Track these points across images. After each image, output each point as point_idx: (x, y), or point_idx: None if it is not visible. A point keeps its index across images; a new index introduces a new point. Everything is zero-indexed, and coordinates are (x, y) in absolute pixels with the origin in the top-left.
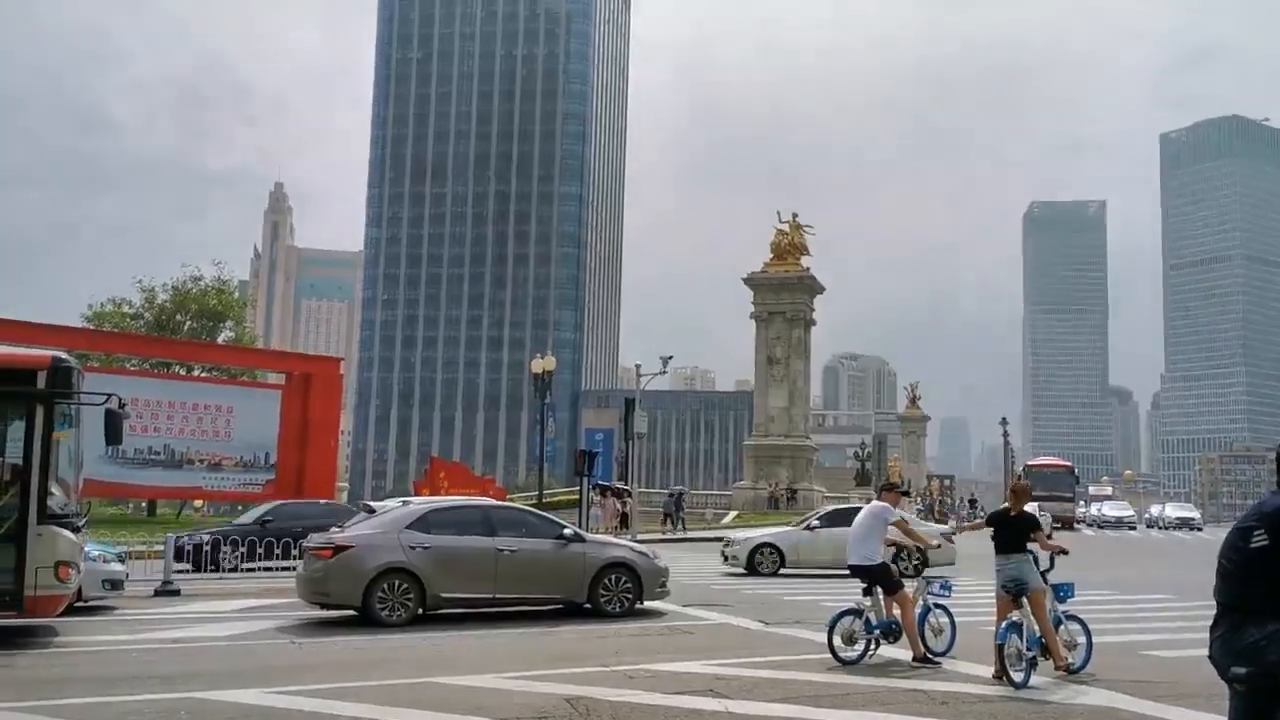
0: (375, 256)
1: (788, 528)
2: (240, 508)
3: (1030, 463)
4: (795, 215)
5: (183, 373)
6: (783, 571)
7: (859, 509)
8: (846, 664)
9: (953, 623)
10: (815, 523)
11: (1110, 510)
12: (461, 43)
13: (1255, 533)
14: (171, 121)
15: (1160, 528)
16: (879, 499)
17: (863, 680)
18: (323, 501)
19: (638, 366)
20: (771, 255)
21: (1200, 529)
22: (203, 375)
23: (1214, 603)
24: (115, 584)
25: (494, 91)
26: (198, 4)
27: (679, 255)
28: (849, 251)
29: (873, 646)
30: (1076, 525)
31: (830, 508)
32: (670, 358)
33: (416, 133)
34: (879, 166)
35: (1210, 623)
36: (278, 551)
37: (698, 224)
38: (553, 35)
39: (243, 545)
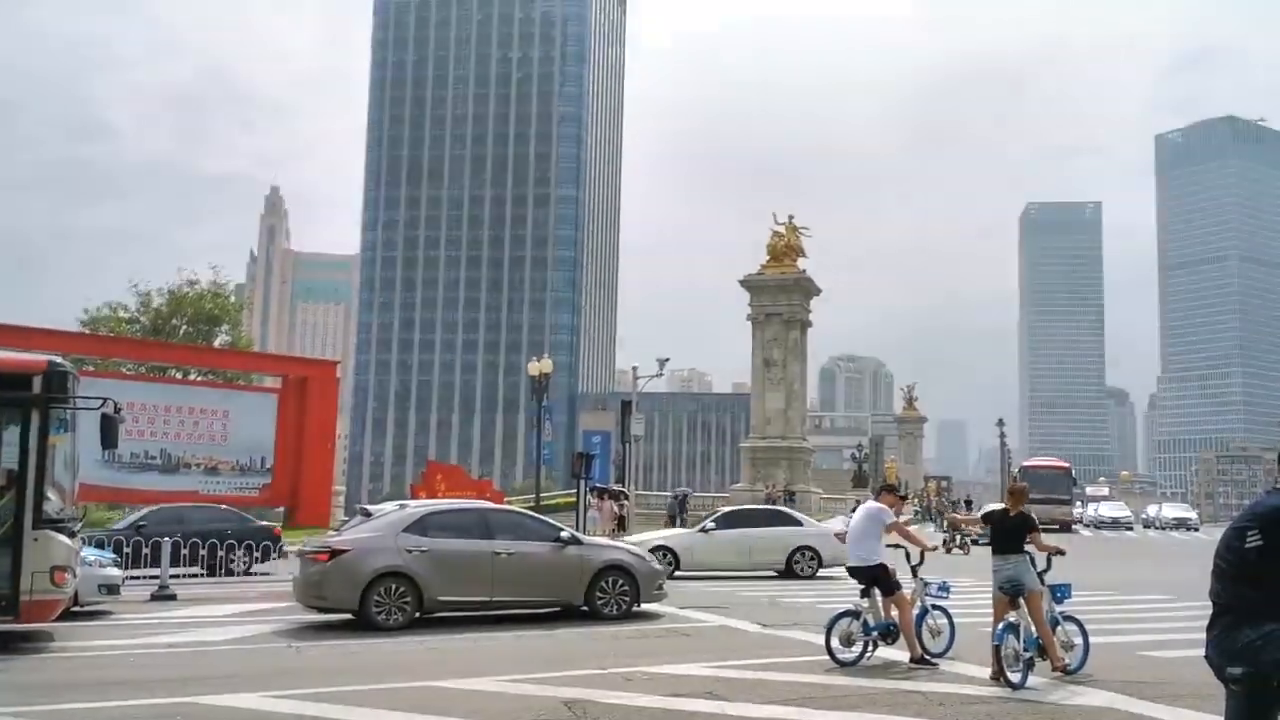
0: (372, 259)
1: (683, 530)
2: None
3: (1027, 463)
4: (791, 217)
5: (179, 377)
6: (678, 574)
7: (754, 510)
8: (844, 665)
9: (951, 624)
10: (710, 525)
11: (1107, 511)
12: (457, 46)
13: (1249, 533)
14: (169, 127)
15: (1157, 528)
16: (876, 500)
17: (860, 682)
18: (223, 507)
19: (634, 369)
20: (768, 257)
21: (1197, 529)
22: (198, 379)
23: (1210, 603)
24: (111, 588)
25: (490, 94)
26: (194, 10)
27: (676, 257)
28: (846, 253)
29: (871, 648)
30: (1074, 527)
31: (726, 509)
32: (667, 360)
33: (412, 136)
34: (876, 168)
35: (1206, 623)
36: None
37: (694, 226)
38: (548, 38)
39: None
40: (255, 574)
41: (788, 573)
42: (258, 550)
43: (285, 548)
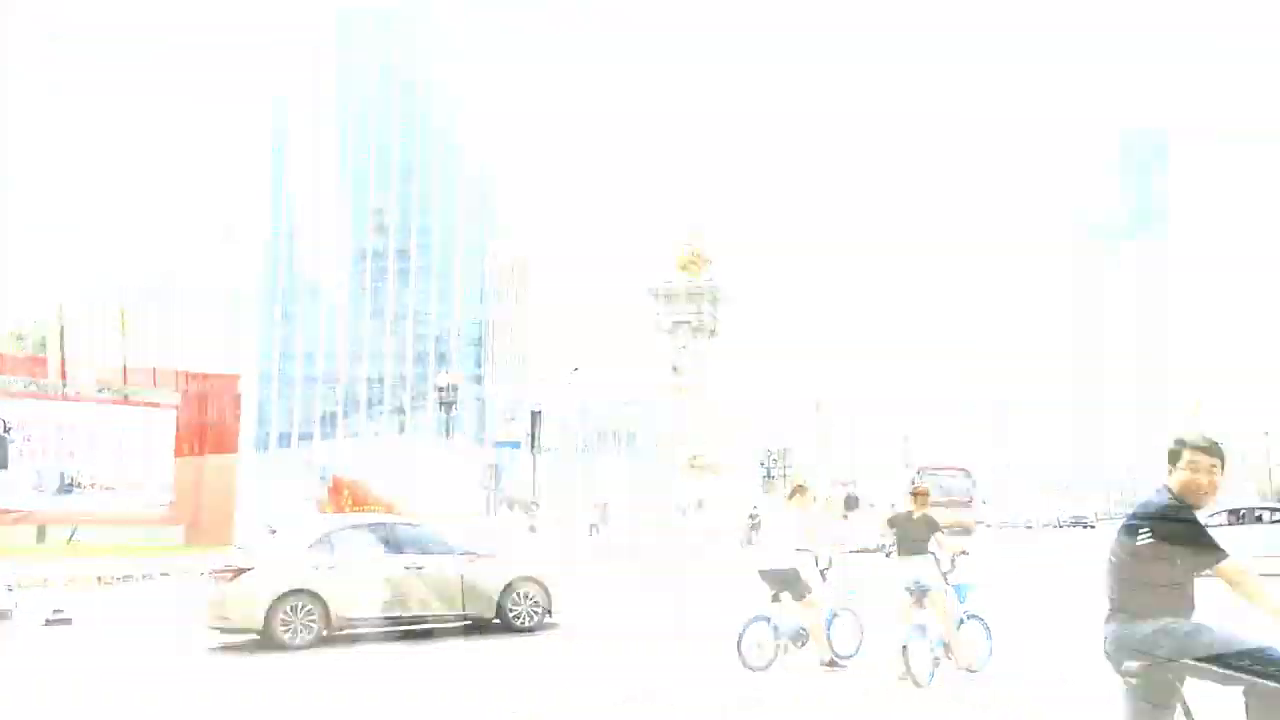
0: (272, 269)
1: None
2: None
3: (925, 466)
4: (701, 226)
5: (73, 394)
6: None
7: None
8: (755, 671)
9: (860, 627)
10: None
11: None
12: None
13: (1140, 530)
14: None
15: (1056, 526)
16: (788, 502)
17: (772, 686)
18: None
19: (543, 379)
20: (677, 265)
21: (1093, 526)
22: (93, 396)
23: (1106, 599)
24: (1, 614)
25: (395, 99)
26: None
27: (586, 265)
28: (759, 260)
29: (781, 653)
30: (976, 529)
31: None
32: (576, 369)
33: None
34: (809, 180)
35: (1103, 619)
36: None
37: (605, 233)
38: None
39: None
40: None
41: None
42: None
43: None
